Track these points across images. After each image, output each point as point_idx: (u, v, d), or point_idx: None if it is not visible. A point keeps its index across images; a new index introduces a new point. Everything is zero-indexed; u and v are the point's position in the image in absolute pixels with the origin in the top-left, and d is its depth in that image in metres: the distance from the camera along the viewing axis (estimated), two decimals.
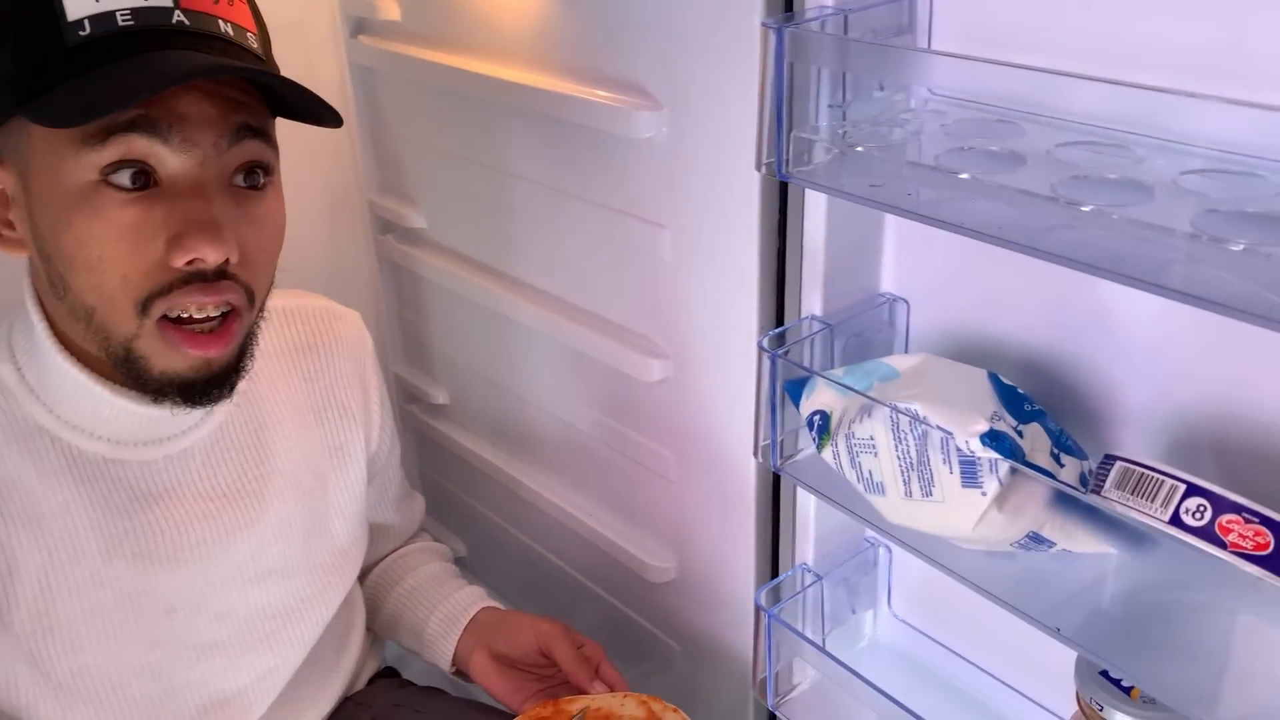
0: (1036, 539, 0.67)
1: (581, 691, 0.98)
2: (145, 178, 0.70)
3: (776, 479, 0.98)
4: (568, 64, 1.00)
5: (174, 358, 0.75)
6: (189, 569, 0.87)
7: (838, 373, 0.76)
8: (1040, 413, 0.69)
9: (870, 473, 0.71)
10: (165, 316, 0.73)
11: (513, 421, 1.27)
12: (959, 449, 0.65)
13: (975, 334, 0.77)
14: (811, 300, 0.80)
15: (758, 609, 0.85)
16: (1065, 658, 0.71)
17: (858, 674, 0.78)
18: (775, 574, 1.03)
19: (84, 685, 0.83)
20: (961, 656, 0.85)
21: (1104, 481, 0.63)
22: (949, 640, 0.87)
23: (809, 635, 0.85)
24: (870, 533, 0.90)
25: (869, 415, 0.71)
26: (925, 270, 0.79)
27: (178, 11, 0.71)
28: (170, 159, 0.70)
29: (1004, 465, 0.64)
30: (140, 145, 0.69)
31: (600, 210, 1.02)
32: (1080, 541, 0.67)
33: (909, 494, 0.69)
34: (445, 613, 1.08)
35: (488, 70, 1.07)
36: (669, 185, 0.93)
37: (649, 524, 1.12)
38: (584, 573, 1.23)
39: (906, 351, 0.82)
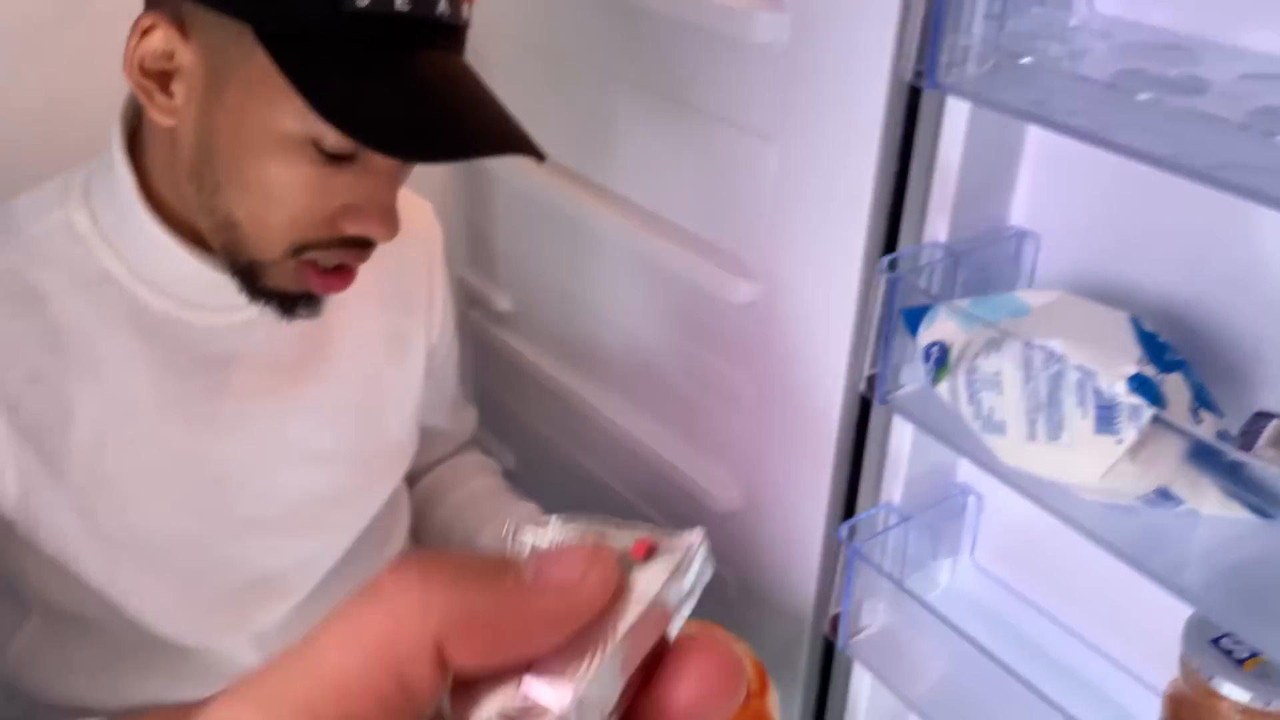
0: (1165, 495, 0.63)
1: None
2: (348, 152, 0.72)
3: (862, 414, 0.94)
4: None
5: (293, 283, 0.77)
6: (242, 440, 0.86)
7: (963, 304, 0.71)
8: (1182, 363, 0.64)
9: (991, 411, 0.67)
10: (307, 260, 0.76)
11: (578, 335, 1.23)
12: (1098, 392, 0.61)
13: (1110, 276, 0.72)
14: (937, 226, 0.75)
15: (839, 544, 0.82)
16: (1163, 625, 0.68)
17: (944, 618, 0.75)
18: (850, 512, 1.00)
19: (130, 546, 0.83)
20: (1047, 614, 0.82)
21: (1255, 439, 0.59)
22: (1035, 596, 0.83)
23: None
24: (961, 478, 0.86)
25: (997, 350, 0.66)
26: (1063, 204, 0.74)
27: (444, 2, 0.71)
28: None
29: (1146, 413, 0.60)
30: None
31: (701, 118, 0.97)
32: (1211, 502, 0.63)
33: (1033, 436, 0.65)
34: (499, 527, 1.06)
35: None
36: (784, 95, 0.87)
37: (716, 451, 1.08)
38: (639, 495, 1.20)
39: (1033, 286, 0.77)
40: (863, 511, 0.90)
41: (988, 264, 0.76)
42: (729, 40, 0.90)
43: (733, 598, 1.11)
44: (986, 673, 0.79)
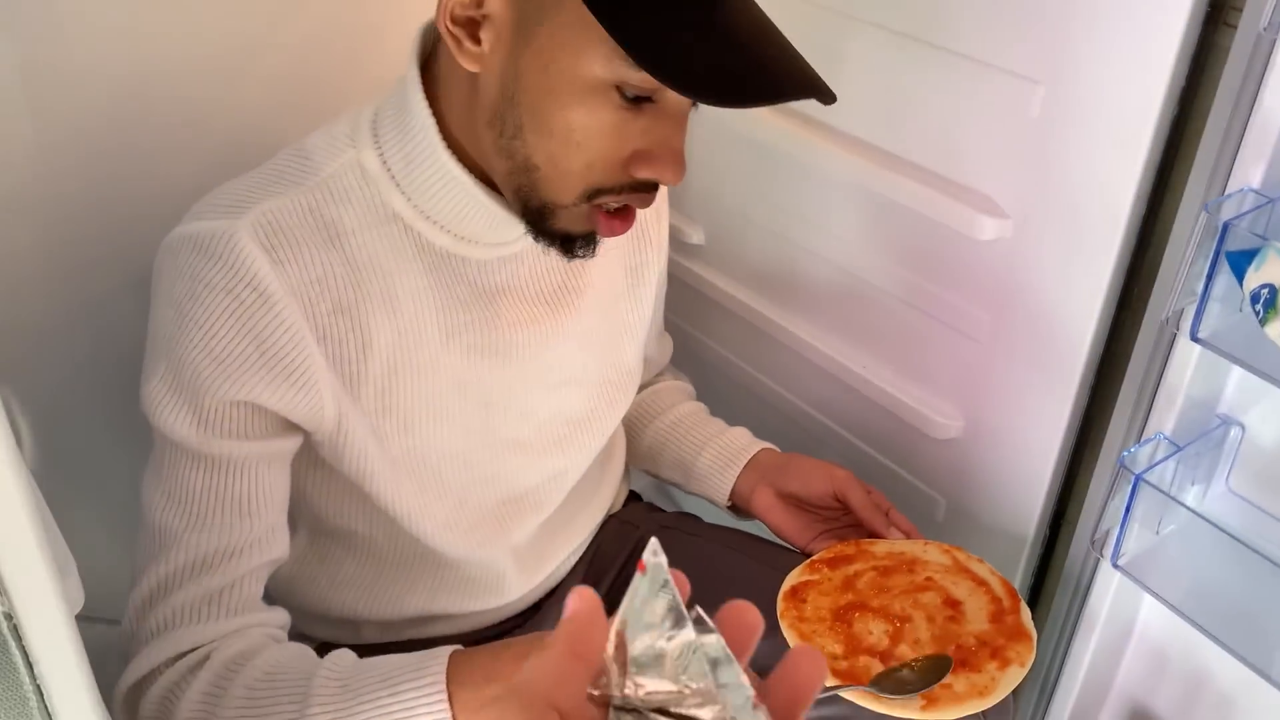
0: None
1: (877, 536, 1.01)
2: (647, 95, 0.74)
3: (1109, 348, 0.99)
4: None
5: (580, 226, 0.80)
6: (510, 367, 0.90)
7: None
8: None
9: None
10: (597, 204, 0.78)
11: (779, 269, 1.26)
12: None
13: None
14: (1251, 172, 0.79)
15: (1121, 469, 0.87)
16: None
17: (1225, 529, 0.81)
18: (1083, 441, 1.05)
19: (409, 464, 0.88)
20: None
21: None
22: None
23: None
24: (1223, 409, 0.91)
25: None
26: None
27: None
28: (673, 93, 0.73)
29: None
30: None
31: (953, 58, 0.99)
32: None
33: None
34: (720, 448, 1.11)
35: None
36: (1055, 39, 0.90)
37: (939, 382, 1.13)
38: (845, 424, 1.24)
39: None
40: (1109, 439, 0.95)
41: None
42: None
43: (942, 520, 1.17)
44: (1248, 582, 0.86)
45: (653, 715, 0.31)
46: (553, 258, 0.90)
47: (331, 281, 0.80)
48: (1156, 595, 0.88)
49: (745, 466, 1.09)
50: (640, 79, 0.72)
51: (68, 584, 0.49)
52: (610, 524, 1.13)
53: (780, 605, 0.93)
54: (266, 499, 0.82)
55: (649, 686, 0.32)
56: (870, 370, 1.18)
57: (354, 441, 0.84)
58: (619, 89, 0.73)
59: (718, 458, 1.11)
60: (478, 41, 0.75)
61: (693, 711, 0.31)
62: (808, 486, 1.04)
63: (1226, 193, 0.80)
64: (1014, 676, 0.84)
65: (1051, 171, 0.95)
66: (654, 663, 0.32)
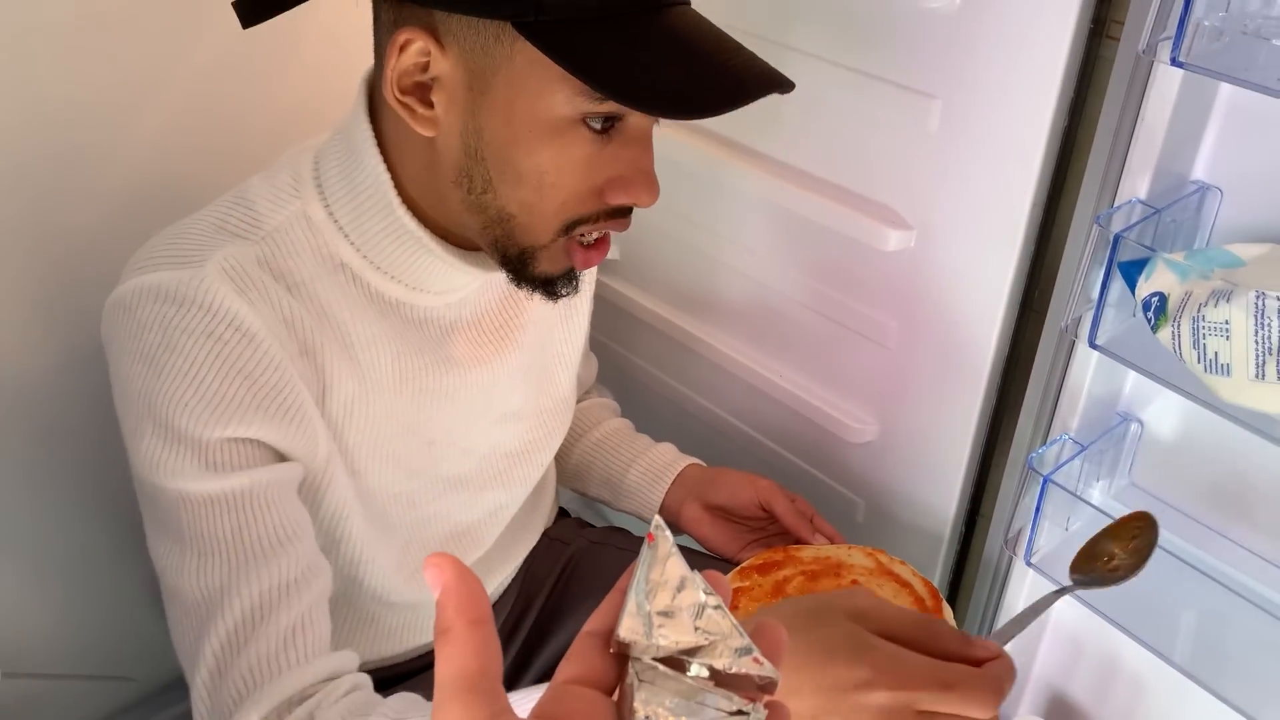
0: None
1: (802, 542, 1.03)
2: (612, 122, 0.74)
3: (1013, 351, 1.02)
4: None
5: (559, 265, 0.80)
6: (458, 406, 0.90)
7: (1177, 257, 0.79)
8: None
9: (1216, 355, 0.75)
10: (573, 236, 0.78)
11: (694, 282, 1.28)
12: None
13: None
14: (1137, 183, 0.82)
15: (1030, 472, 0.90)
16: None
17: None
18: (993, 442, 1.09)
19: (360, 507, 0.86)
20: (1205, 525, 0.92)
21: None
22: (1190, 509, 0.93)
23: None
24: (1122, 407, 0.95)
25: (1226, 300, 0.74)
26: (1246, 159, 0.82)
27: None
28: (638, 114, 0.74)
29: None
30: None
31: (855, 76, 1.01)
32: None
33: (1260, 376, 0.74)
34: (647, 465, 1.12)
35: None
36: (950, 59, 0.93)
37: (851, 388, 1.15)
38: (763, 431, 1.26)
39: (1210, 241, 0.85)
40: (1017, 440, 0.99)
41: (1175, 218, 0.83)
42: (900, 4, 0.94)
43: (862, 521, 1.20)
44: (1154, 574, 0.90)
45: (683, 658, 0.37)
46: (494, 293, 0.90)
47: (297, 325, 0.79)
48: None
49: (673, 483, 1.10)
50: (607, 108, 0.71)
51: None
52: (540, 541, 1.14)
53: None
54: (297, 523, 0.78)
55: (673, 636, 0.37)
56: (786, 379, 1.20)
57: (338, 479, 0.84)
58: (584, 122, 0.72)
59: (644, 474, 1.12)
60: (430, 105, 0.74)
61: (717, 655, 0.37)
62: (734, 498, 1.06)
63: (1115, 204, 0.84)
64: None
65: (951, 183, 0.98)
66: (673, 616, 0.37)
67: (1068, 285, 0.86)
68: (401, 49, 0.72)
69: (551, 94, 0.71)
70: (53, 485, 1.09)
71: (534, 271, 0.79)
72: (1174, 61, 0.72)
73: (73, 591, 1.14)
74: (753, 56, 0.74)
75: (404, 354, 0.85)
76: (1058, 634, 1.05)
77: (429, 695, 0.97)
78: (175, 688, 1.22)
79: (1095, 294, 0.83)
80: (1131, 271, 0.80)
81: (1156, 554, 0.88)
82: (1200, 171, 0.85)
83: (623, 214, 0.78)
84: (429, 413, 0.89)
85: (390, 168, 0.78)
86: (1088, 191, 0.86)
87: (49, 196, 0.99)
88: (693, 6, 0.75)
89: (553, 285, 0.81)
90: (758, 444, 1.27)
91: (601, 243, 0.80)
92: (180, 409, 0.73)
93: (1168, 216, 0.83)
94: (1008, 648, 0.66)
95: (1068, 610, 1.03)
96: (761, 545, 1.05)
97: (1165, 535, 0.93)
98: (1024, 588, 1.02)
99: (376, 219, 0.80)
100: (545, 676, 1.11)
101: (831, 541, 1.03)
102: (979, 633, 1.10)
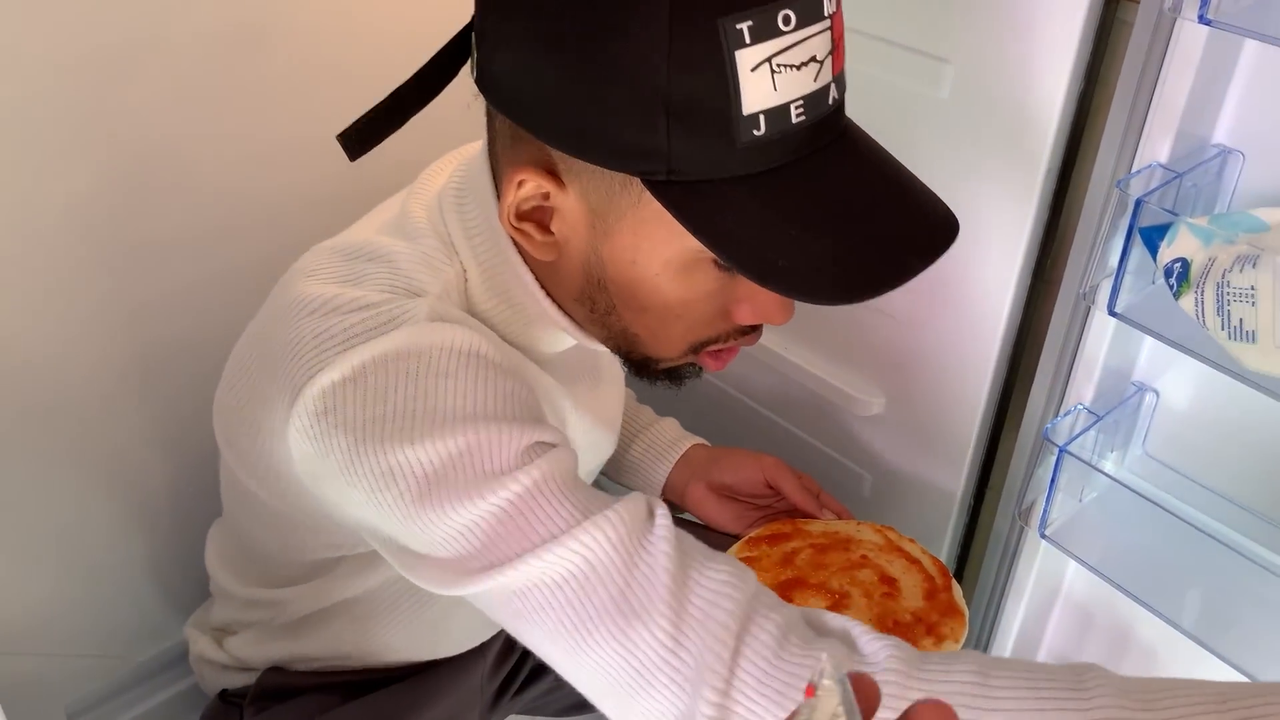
0: None
1: (811, 518, 1.02)
2: None
3: (1024, 322, 1.01)
4: None
5: (683, 364, 0.77)
6: (582, 437, 0.92)
7: (1201, 221, 0.77)
8: None
9: (1241, 321, 0.74)
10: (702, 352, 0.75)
11: None
12: None
13: None
14: (1158, 147, 0.80)
15: (1045, 443, 0.89)
16: None
17: (1151, 497, 0.83)
18: (1003, 414, 1.07)
19: None
20: (1221, 494, 0.91)
21: None
22: (1204, 479, 0.92)
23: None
24: (1137, 377, 0.94)
25: (1252, 265, 0.73)
26: (1271, 121, 0.80)
27: (832, 87, 0.63)
28: None
29: None
30: None
31: (865, 40, 0.99)
32: None
33: None
34: (650, 440, 1.10)
35: None
36: (960, 19, 0.91)
37: (860, 362, 1.14)
38: (765, 404, 1.25)
39: (1231, 206, 0.83)
40: (1029, 412, 0.97)
41: (1197, 182, 0.82)
42: None
43: (869, 496, 1.18)
44: (1168, 544, 0.89)
45: None
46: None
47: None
48: (1082, 562, 0.90)
49: (677, 462, 1.09)
50: None
51: None
52: None
53: None
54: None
55: None
56: (792, 351, 1.18)
57: None
58: (714, 261, 0.67)
59: (648, 450, 1.10)
60: (548, 231, 0.69)
61: None
62: (739, 476, 1.05)
63: (1135, 169, 0.82)
64: (948, 651, 0.86)
65: (963, 150, 0.96)
66: None
67: (1084, 252, 0.84)
68: (517, 186, 0.67)
69: (680, 242, 0.65)
70: (53, 464, 1.07)
71: (656, 370, 0.77)
72: (1201, 19, 0.70)
73: (69, 570, 1.12)
74: (916, 200, 0.66)
75: (560, 392, 0.84)
76: (1069, 604, 1.05)
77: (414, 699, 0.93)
78: (172, 667, 1.20)
79: (1114, 261, 0.81)
80: (1153, 237, 0.78)
81: (1173, 527, 0.87)
82: (1222, 135, 0.83)
83: (754, 329, 0.74)
84: (584, 445, 0.89)
85: (536, 271, 0.74)
86: (1105, 156, 0.84)
87: (45, 174, 0.97)
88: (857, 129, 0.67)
89: (678, 375, 0.78)
90: (762, 418, 1.25)
91: (732, 349, 0.76)
92: (471, 430, 0.65)
93: (1189, 181, 0.81)
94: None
95: (1080, 580, 1.02)
96: (769, 522, 1.04)
97: (1178, 505, 0.93)
98: (1036, 560, 1.00)
99: (535, 317, 0.77)
100: (541, 670, 1.10)
101: (839, 518, 1.02)
102: (986, 608, 1.09)
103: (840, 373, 1.15)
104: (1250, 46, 0.79)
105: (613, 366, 0.96)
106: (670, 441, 1.10)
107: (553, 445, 0.68)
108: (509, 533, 0.64)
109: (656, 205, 0.62)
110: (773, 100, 0.59)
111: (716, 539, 1.05)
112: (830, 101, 0.63)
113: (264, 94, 1.07)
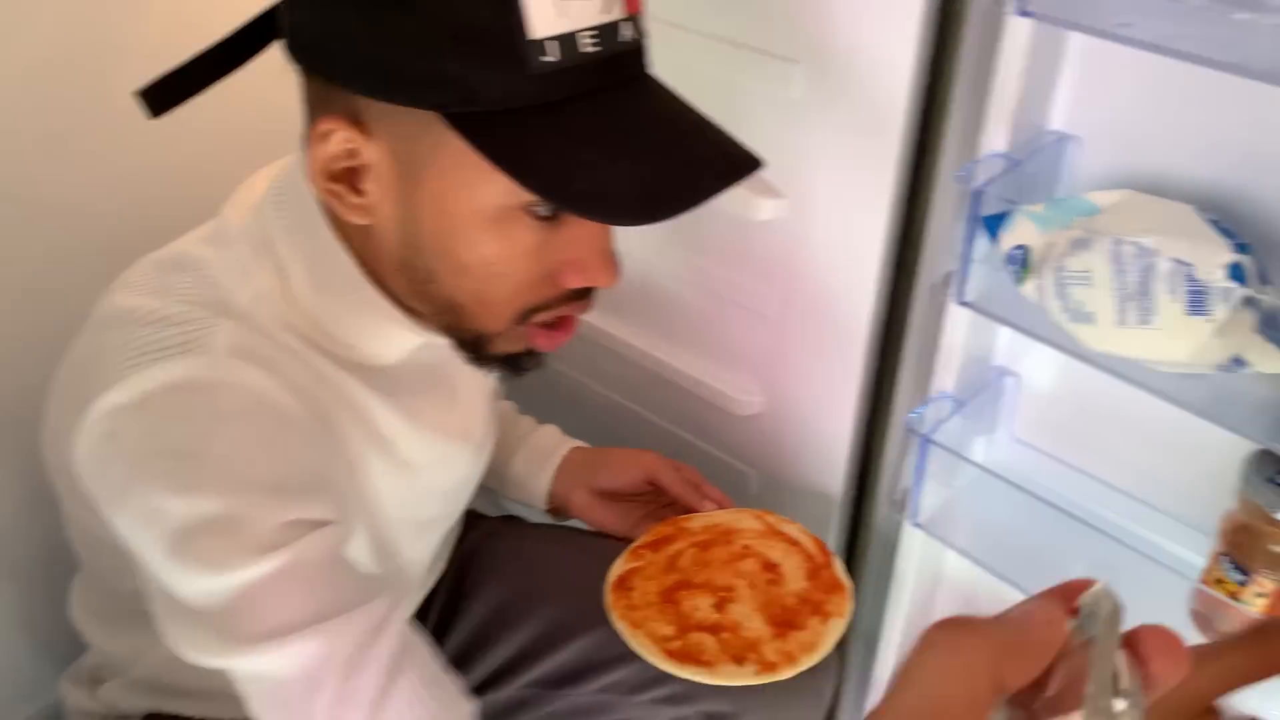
0: (1238, 362, 0.73)
1: (692, 511, 1.02)
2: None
3: (892, 315, 1.02)
4: None
5: (518, 344, 0.75)
6: (434, 453, 0.89)
7: (1036, 208, 0.79)
8: (1247, 246, 0.74)
9: (1081, 304, 0.75)
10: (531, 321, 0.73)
11: None
12: (1190, 279, 0.70)
13: (1153, 172, 0.81)
14: (995, 137, 0.82)
15: (910, 432, 0.90)
16: (1189, 474, 0.79)
17: (1015, 484, 0.85)
18: (878, 406, 1.08)
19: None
20: (1087, 473, 0.93)
21: None
22: (1071, 459, 0.94)
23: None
24: (998, 362, 0.95)
25: (1086, 249, 0.74)
26: (1101, 107, 0.82)
27: (629, 26, 0.65)
28: None
29: (1236, 295, 0.69)
30: None
31: (716, 44, 0.99)
32: (1273, 363, 0.73)
33: (1122, 323, 0.74)
34: (530, 451, 1.10)
35: None
36: (806, 17, 0.91)
37: (736, 361, 1.14)
38: (654, 409, 1.24)
39: (1071, 190, 0.85)
40: (898, 402, 0.99)
41: (1035, 169, 0.83)
42: None
43: (756, 492, 1.19)
44: (1039, 526, 0.90)
45: None
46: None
47: (307, 395, 0.74)
48: (955, 548, 0.91)
49: (557, 470, 1.08)
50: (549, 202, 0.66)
51: None
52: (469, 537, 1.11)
53: (609, 598, 0.92)
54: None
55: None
56: (670, 354, 1.18)
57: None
58: (527, 209, 0.66)
59: (529, 462, 1.09)
60: (360, 193, 0.68)
61: None
62: (620, 479, 1.04)
63: (977, 158, 0.83)
64: (836, 628, 0.86)
65: (818, 149, 0.96)
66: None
67: (936, 243, 0.85)
68: (322, 138, 0.65)
69: (488, 184, 0.64)
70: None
71: (491, 352, 0.75)
72: (1020, 11, 0.71)
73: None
74: (717, 137, 0.68)
75: (391, 409, 0.81)
76: (953, 587, 1.06)
77: None
78: None
79: (961, 251, 0.83)
80: (995, 226, 0.80)
81: (1041, 509, 0.88)
82: (1058, 121, 0.85)
83: (583, 295, 0.73)
84: (422, 464, 0.85)
85: (357, 249, 0.73)
86: (950, 148, 0.85)
87: None
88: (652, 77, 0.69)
89: (516, 363, 0.76)
90: (646, 421, 1.25)
91: (565, 321, 0.74)
92: (231, 495, 0.65)
93: (1029, 168, 0.83)
94: None
95: (961, 565, 1.03)
96: (654, 519, 1.03)
97: (1049, 487, 0.94)
98: (915, 548, 1.02)
99: (353, 303, 0.74)
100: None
101: (721, 507, 1.02)
102: (872, 601, 1.10)
103: (720, 373, 1.15)
104: (1077, 35, 0.80)
105: (474, 378, 0.94)
106: (549, 450, 1.09)
107: (319, 523, 0.68)
108: (244, 612, 0.65)
109: (459, 144, 0.63)
110: (560, 26, 0.61)
111: (609, 544, 1.05)
112: (624, 38, 0.64)
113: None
